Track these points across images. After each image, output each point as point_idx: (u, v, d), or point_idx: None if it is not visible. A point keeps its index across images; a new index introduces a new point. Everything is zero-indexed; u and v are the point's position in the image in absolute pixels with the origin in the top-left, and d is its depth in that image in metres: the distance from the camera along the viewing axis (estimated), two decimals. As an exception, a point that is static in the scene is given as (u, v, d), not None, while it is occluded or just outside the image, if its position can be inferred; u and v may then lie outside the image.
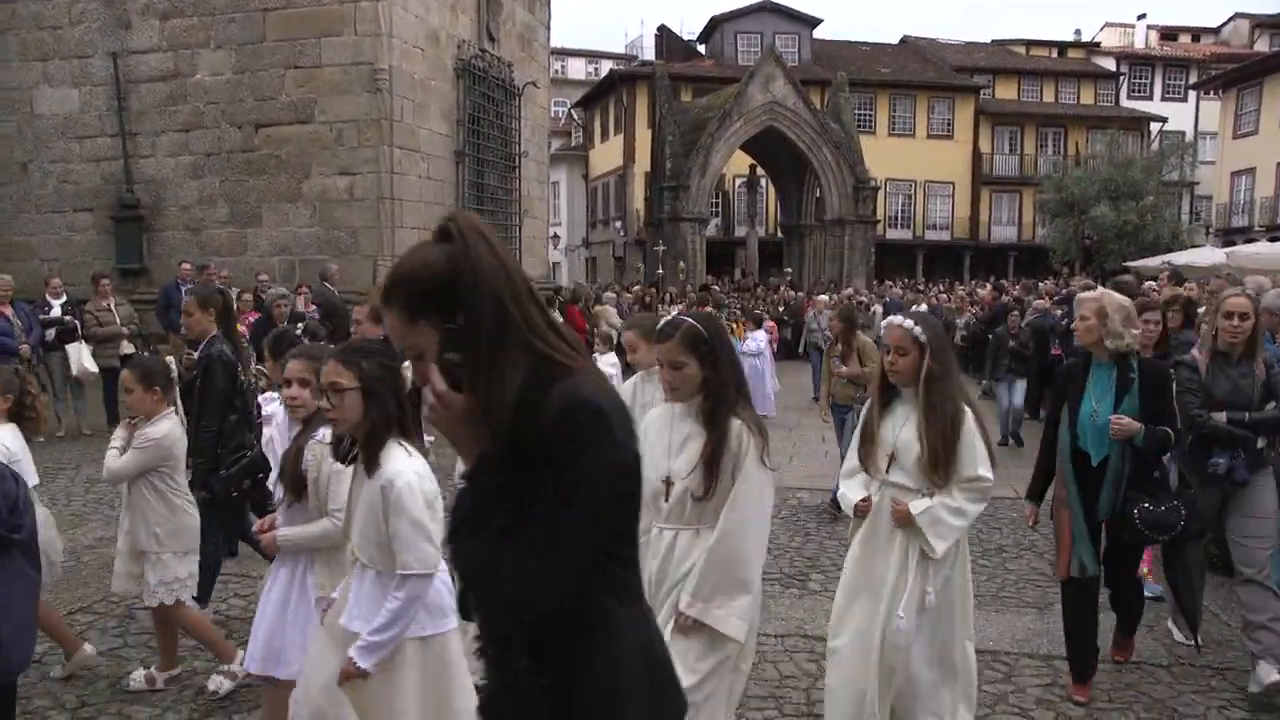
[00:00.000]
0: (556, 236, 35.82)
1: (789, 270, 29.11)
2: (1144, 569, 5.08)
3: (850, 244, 27.36)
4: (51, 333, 9.86)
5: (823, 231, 28.53)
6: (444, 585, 2.76)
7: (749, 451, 2.82)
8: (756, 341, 12.85)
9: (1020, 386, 10.51)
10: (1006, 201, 40.76)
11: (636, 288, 21.04)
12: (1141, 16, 43.97)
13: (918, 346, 3.29)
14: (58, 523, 4.67)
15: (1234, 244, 22.53)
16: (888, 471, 3.41)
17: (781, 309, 20.54)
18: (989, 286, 19.33)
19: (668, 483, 2.96)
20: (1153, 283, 11.33)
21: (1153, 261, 19.04)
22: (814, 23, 39.26)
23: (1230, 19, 45.00)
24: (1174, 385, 4.16)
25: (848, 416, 7.62)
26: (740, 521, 2.85)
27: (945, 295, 21.51)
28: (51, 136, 14.08)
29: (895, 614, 3.29)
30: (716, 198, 34.20)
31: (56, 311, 10.30)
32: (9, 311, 9.35)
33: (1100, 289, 3.67)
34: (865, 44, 42.81)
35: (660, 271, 25.11)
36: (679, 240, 26.05)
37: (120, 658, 4.56)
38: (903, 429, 3.38)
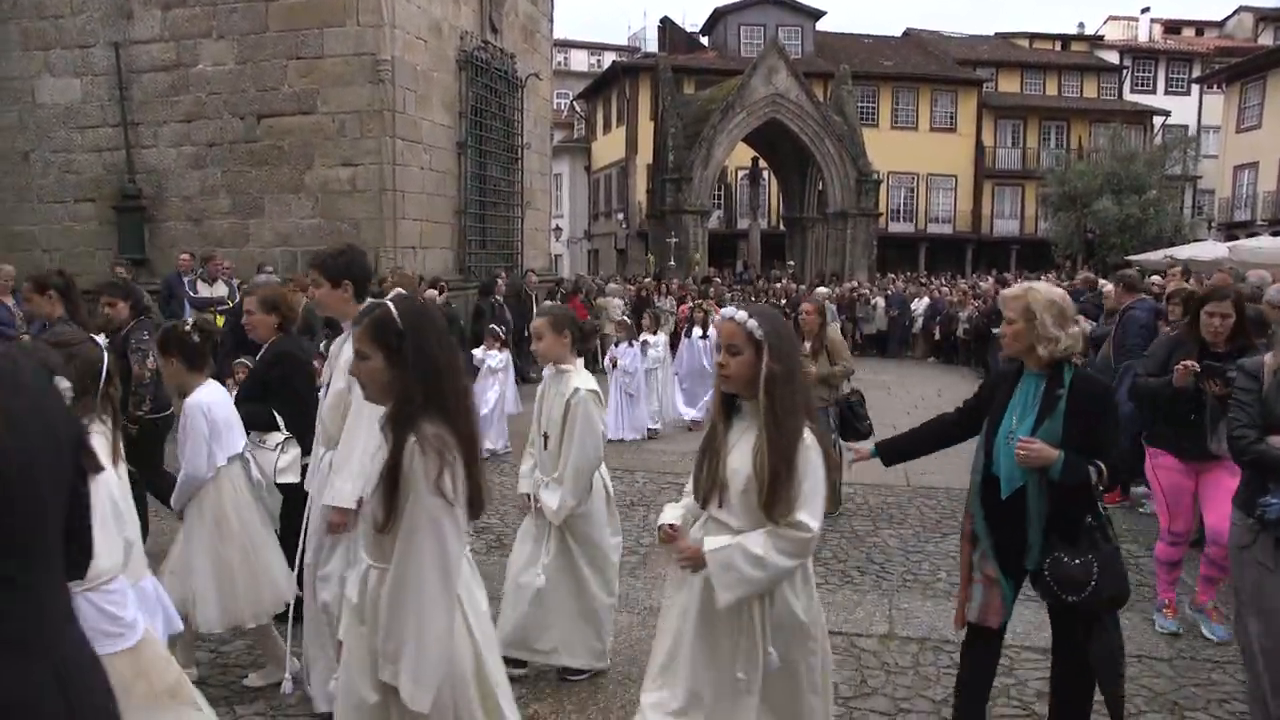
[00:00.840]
0: (559, 228, 35.83)
1: (791, 263, 29.08)
2: (1206, 601, 4.88)
3: (853, 237, 27.34)
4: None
5: (825, 224, 28.50)
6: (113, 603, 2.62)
7: (416, 474, 2.27)
8: None
9: None
10: (1009, 195, 40.70)
11: (648, 280, 21.01)
12: (1145, 9, 43.86)
13: (753, 345, 2.65)
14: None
15: (1236, 238, 22.49)
16: (720, 505, 2.71)
17: (783, 302, 20.54)
18: (991, 280, 19.36)
19: (360, 505, 2.60)
20: (1158, 277, 11.32)
21: (1155, 255, 19.03)
22: (817, 15, 39.16)
23: (1234, 12, 44.86)
24: (1115, 407, 3.35)
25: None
26: (401, 562, 2.31)
27: (947, 289, 21.49)
28: (53, 126, 14.06)
29: (735, 674, 2.67)
30: (719, 190, 34.17)
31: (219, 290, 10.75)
32: (10, 301, 9.35)
33: (1028, 283, 3.29)
34: (868, 36, 42.70)
35: (672, 263, 25.12)
36: (681, 232, 26.03)
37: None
38: (734, 451, 2.71)
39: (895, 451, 3.72)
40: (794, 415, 2.62)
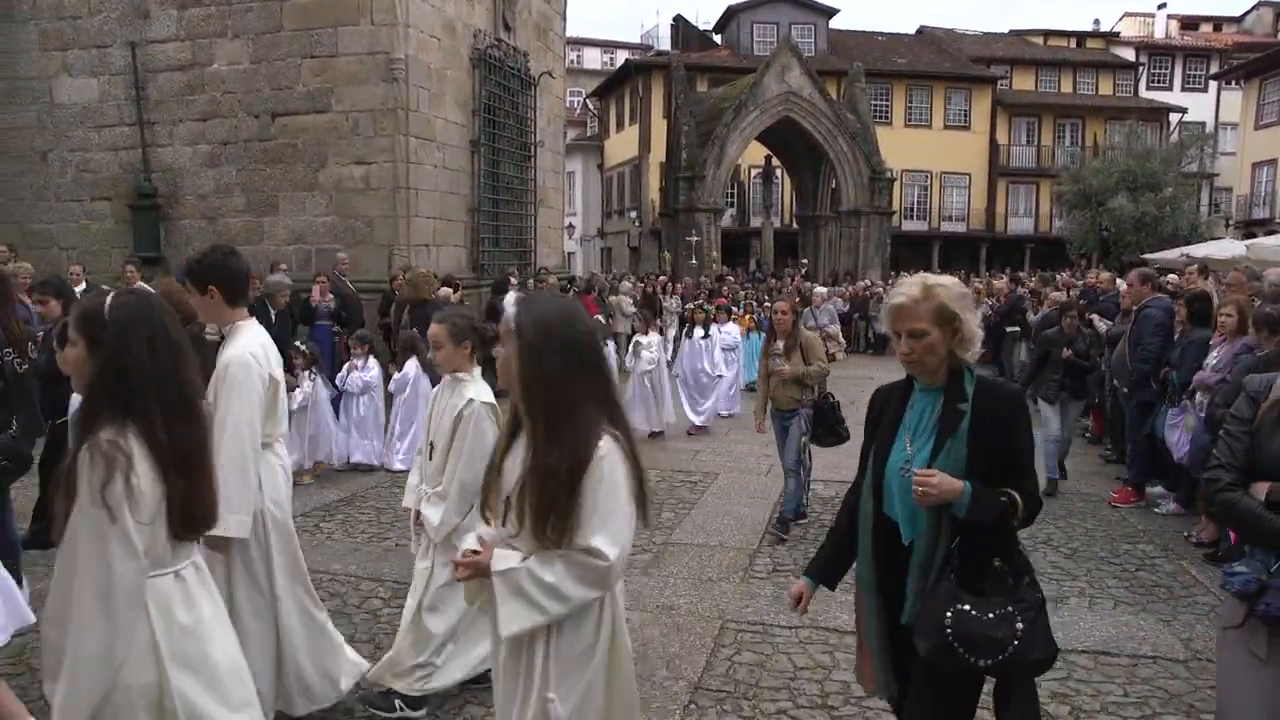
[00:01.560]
0: (571, 226, 35.85)
1: (805, 261, 29.03)
2: None
3: (866, 235, 27.27)
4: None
5: (838, 222, 28.43)
6: None
7: (82, 482, 2.08)
8: (728, 336, 12.47)
9: (1076, 410, 8.58)
10: (1023, 193, 40.51)
11: (663, 277, 21.01)
12: (1161, 5, 43.53)
13: (510, 337, 2.30)
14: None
15: (1254, 236, 22.31)
16: (504, 523, 2.36)
17: (795, 300, 20.51)
18: (1005, 278, 19.24)
19: None
20: (1174, 275, 11.24)
21: (1171, 253, 18.89)
22: (830, 13, 39.05)
23: (1253, 7, 44.50)
24: (1026, 416, 2.61)
25: (791, 423, 6.82)
26: (60, 578, 2.12)
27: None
28: (71, 125, 14.16)
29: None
30: (732, 188, 34.11)
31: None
32: (28, 300, 9.42)
33: (919, 277, 2.66)
34: (882, 34, 42.55)
35: (693, 261, 25.12)
36: (694, 231, 26.01)
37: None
38: (509, 460, 2.38)
39: (835, 568, 2.95)
40: (570, 423, 2.21)
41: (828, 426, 6.86)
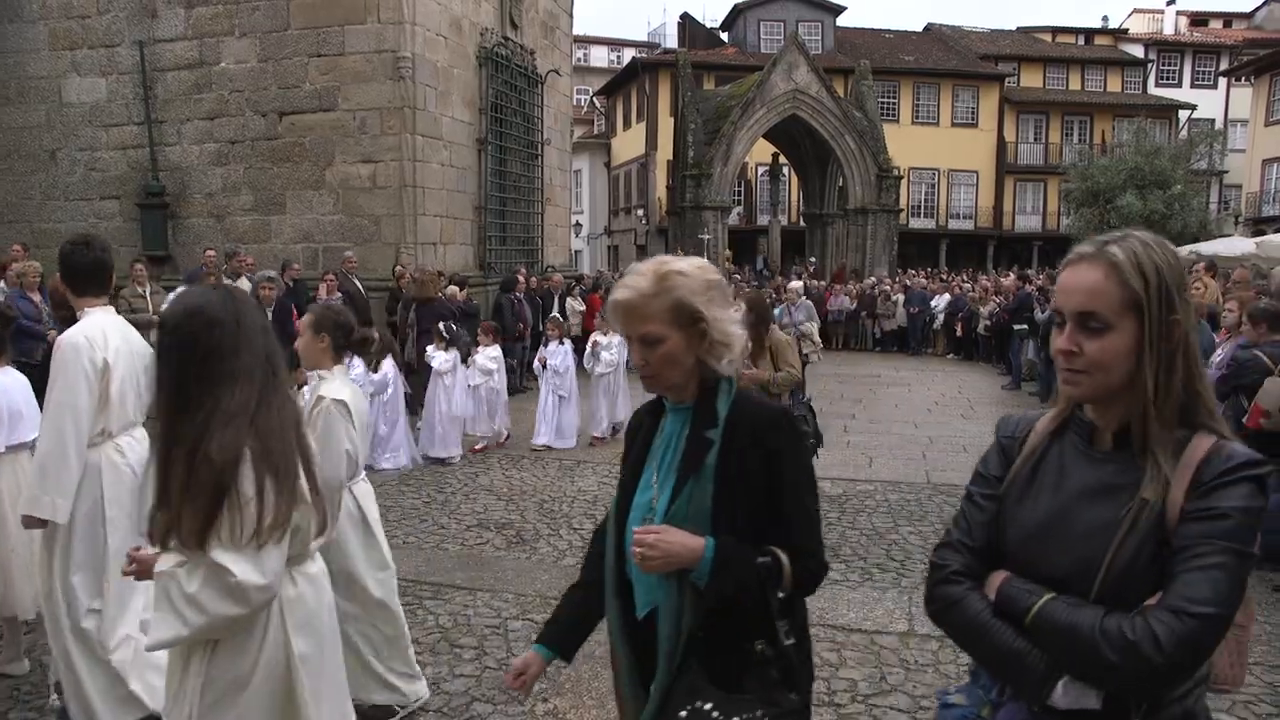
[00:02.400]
0: (579, 224, 35.76)
1: (813, 259, 28.98)
2: None
3: (873, 233, 27.19)
4: None
5: (845, 220, 28.35)
6: None
7: None
8: None
9: None
10: (1031, 190, 40.37)
11: None
12: (1171, 1, 43.34)
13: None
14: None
15: (1264, 233, 22.20)
16: None
17: (761, 293, 20.48)
18: (1012, 275, 19.21)
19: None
20: (1180, 273, 11.19)
21: (1180, 251, 18.78)
22: (837, 10, 38.97)
23: (1264, 3, 44.25)
24: (801, 445, 1.98)
25: None
26: None
27: (970, 285, 21.32)
28: (79, 124, 14.22)
29: None
30: (739, 186, 34.05)
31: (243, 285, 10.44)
32: (37, 297, 9.45)
33: (660, 257, 2.08)
34: (889, 31, 42.45)
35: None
36: (704, 229, 25.98)
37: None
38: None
39: (577, 635, 2.16)
40: (188, 421, 2.01)
41: None
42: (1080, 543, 1.54)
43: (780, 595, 1.86)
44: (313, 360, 3.71)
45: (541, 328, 11.69)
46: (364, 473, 3.86)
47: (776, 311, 11.87)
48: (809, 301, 13.67)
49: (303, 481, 2.14)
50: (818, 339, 12.59)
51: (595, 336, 10.23)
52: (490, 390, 9.58)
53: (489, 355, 9.63)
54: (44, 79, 14.24)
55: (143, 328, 10.19)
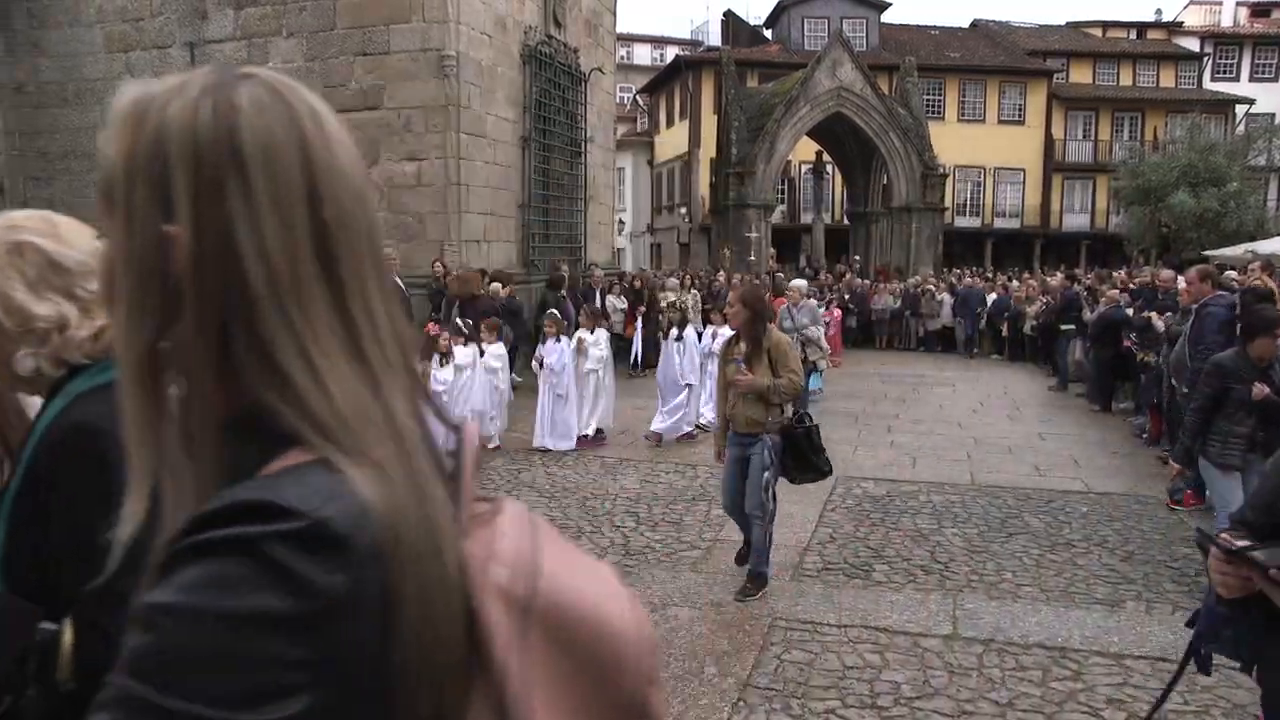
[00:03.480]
0: (622, 222, 35.88)
1: (857, 257, 28.78)
2: None
3: (917, 231, 26.93)
4: None
5: (890, 219, 28.12)
6: None
7: None
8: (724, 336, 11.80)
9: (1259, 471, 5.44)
10: (1079, 188, 39.67)
11: (720, 273, 21.00)
12: (1230, -6, 42.36)
13: None
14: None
15: (1323, 232, 21.60)
16: None
17: (846, 296, 20.40)
18: (1060, 275, 18.88)
19: None
20: (1232, 272, 10.93)
21: (1234, 250, 18.35)
22: (882, 7, 38.61)
23: (1327, -5, 43.07)
24: (112, 474, 1.01)
25: (753, 452, 5.28)
26: None
27: (1017, 283, 20.99)
28: (133, 124, 14.53)
29: None
30: (782, 184, 33.89)
31: None
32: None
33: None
34: (934, 28, 41.97)
35: (752, 258, 25.00)
36: (748, 227, 25.90)
37: None
38: None
39: None
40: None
41: (800, 457, 5.40)
42: None
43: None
44: None
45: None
46: None
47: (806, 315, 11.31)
48: (813, 303, 12.53)
49: None
50: (825, 345, 11.78)
51: (581, 333, 9.94)
52: (493, 388, 9.57)
53: (493, 353, 9.57)
54: (100, 80, 14.57)
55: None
